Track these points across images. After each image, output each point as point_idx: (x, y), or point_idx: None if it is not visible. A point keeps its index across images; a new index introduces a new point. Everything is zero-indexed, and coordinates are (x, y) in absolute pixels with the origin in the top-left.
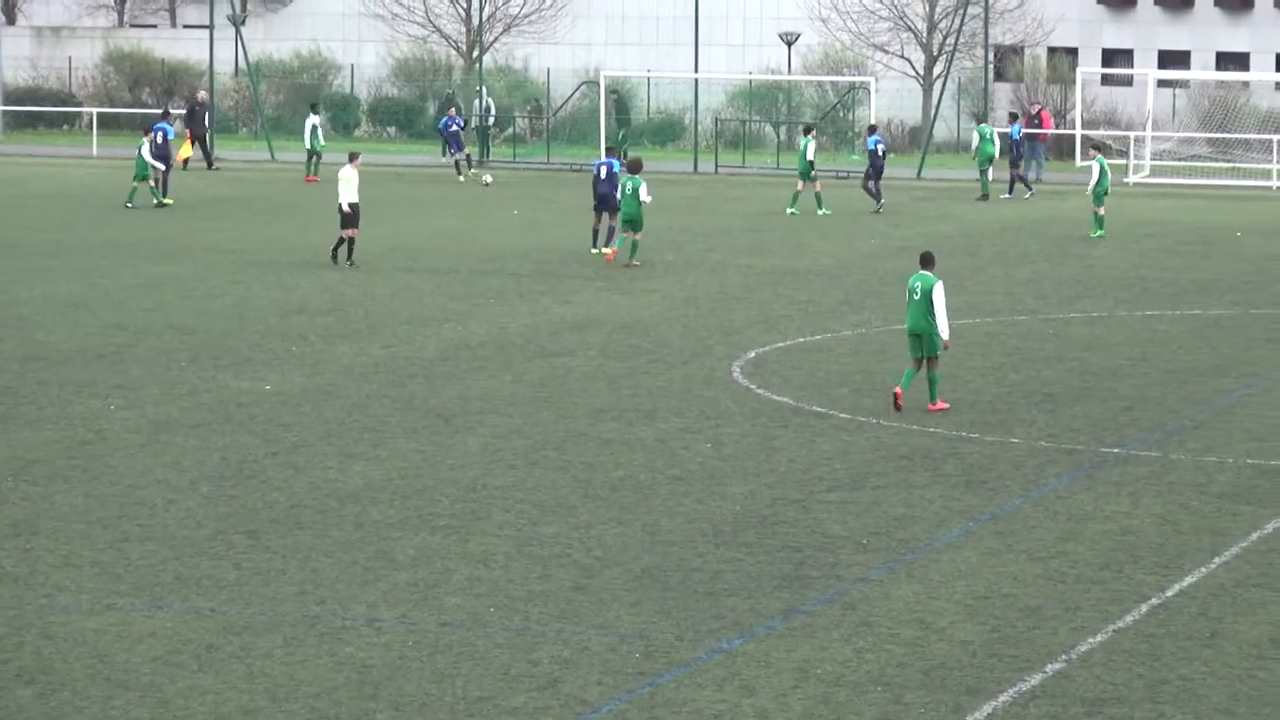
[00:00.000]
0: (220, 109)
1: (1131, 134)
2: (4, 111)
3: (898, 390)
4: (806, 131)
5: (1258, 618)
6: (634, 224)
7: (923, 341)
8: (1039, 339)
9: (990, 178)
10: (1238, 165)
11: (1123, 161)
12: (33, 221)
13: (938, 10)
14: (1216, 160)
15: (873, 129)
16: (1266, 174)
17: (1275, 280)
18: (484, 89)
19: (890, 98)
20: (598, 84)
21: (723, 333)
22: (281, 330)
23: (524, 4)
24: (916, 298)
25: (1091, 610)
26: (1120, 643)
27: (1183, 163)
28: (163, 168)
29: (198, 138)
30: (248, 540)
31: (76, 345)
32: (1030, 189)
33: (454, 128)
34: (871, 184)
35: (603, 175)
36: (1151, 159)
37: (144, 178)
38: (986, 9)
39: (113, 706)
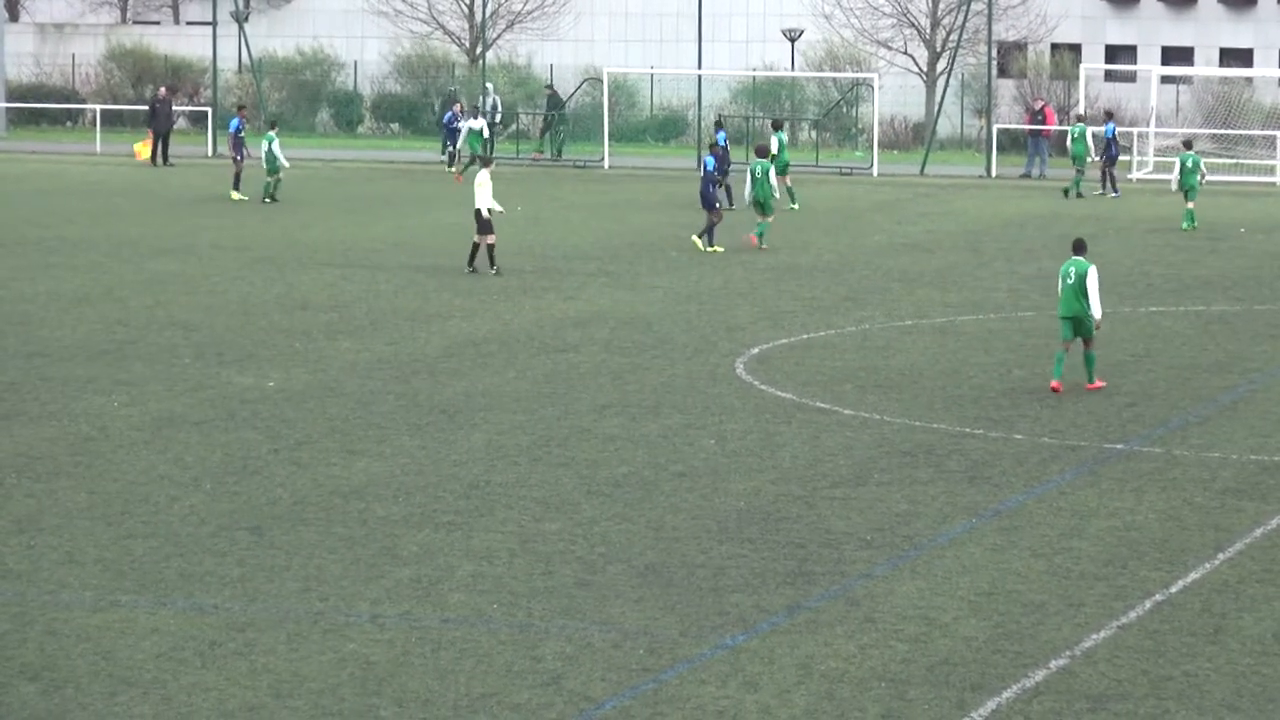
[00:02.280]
0: (224, 106)
1: (1135, 130)
2: (7, 108)
3: (1056, 385)
4: (777, 127)
5: (1261, 613)
6: (764, 207)
7: (1077, 324)
8: (1043, 335)
9: (1083, 177)
10: (1241, 161)
11: (1126, 158)
12: (36, 218)
13: (941, 6)
14: (1220, 156)
15: (719, 124)
16: (1270, 170)
17: (1278, 276)
18: (491, 86)
19: (893, 94)
20: (601, 80)
21: (726, 329)
22: (285, 327)
23: (527, 0)
24: (1070, 282)
25: (1095, 606)
26: (1124, 639)
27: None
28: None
29: (159, 134)
30: (251, 537)
31: (79, 341)
32: (1116, 190)
33: (456, 125)
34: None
35: (702, 174)
36: (1155, 155)
37: (275, 171)
38: (990, 5)
39: (116, 703)
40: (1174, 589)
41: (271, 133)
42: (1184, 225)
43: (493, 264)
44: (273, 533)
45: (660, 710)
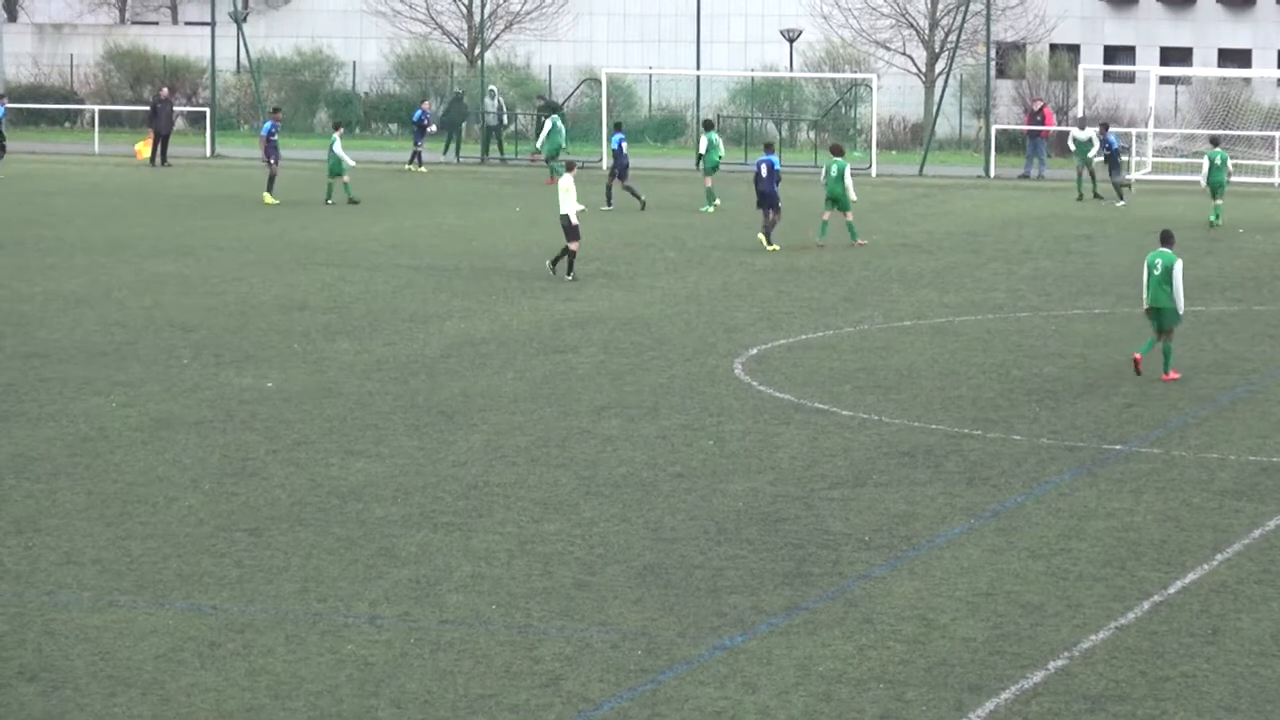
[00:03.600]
0: (222, 106)
1: (1134, 131)
2: (5, 108)
3: (1137, 356)
4: (709, 128)
5: (1260, 614)
6: (840, 203)
7: (1162, 315)
8: (1041, 335)
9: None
10: (1240, 162)
11: (1124, 159)
12: (34, 219)
13: (939, 7)
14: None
15: (618, 126)
16: (1268, 171)
17: (1277, 277)
18: (496, 88)
19: (892, 95)
20: (599, 81)
21: (725, 330)
22: (283, 327)
23: (525, 1)
24: (1157, 273)
25: (1094, 607)
26: (1122, 640)
27: (1185, 159)
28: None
29: (160, 135)
30: (249, 537)
31: (78, 342)
32: (1122, 198)
33: (425, 121)
34: (618, 183)
35: (764, 173)
36: (1154, 156)
37: (339, 174)
38: (989, 6)
39: (115, 704)
40: (1172, 590)
41: (336, 134)
42: (1212, 220)
43: (570, 269)
44: (271, 533)
45: (658, 711)
